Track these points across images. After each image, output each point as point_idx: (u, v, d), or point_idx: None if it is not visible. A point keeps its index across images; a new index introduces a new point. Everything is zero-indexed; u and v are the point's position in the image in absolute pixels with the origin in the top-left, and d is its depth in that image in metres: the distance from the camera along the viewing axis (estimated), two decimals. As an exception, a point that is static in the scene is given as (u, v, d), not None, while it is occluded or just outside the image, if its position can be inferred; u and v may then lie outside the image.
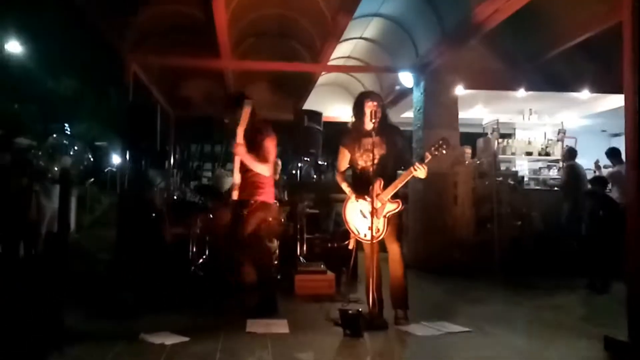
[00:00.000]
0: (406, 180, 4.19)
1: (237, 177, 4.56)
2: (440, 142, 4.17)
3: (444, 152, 4.17)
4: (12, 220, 6.40)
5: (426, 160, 4.09)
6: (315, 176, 11.69)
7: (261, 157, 4.54)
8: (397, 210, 4.24)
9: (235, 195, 4.55)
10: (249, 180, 4.57)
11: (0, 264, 6.39)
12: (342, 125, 9.97)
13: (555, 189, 8.09)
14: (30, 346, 3.34)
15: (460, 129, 8.03)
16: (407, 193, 7.47)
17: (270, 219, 6.17)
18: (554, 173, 9.66)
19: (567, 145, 8.54)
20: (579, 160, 10.02)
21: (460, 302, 5.27)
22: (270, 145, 4.61)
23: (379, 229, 4.17)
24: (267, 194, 4.66)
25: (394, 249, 4.32)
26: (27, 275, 5.95)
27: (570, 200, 7.20)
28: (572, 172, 7.41)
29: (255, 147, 4.55)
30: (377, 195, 4.18)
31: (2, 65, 15.53)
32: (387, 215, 4.21)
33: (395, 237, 4.30)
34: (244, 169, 4.56)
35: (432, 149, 4.15)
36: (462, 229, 7.14)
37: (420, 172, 4.09)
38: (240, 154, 4.49)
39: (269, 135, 4.63)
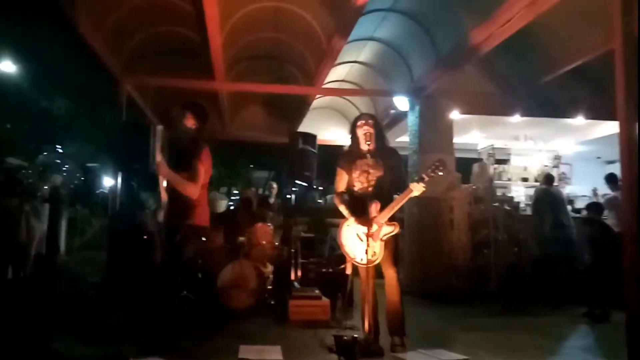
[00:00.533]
0: (404, 201, 4.16)
1: (164, 197, 4.25)
2: (437, 163, 4.18)
3: (440, 173, 4.18)
4: (1, 242, 6.33)
5: (424, 181, 4.09)
6: (320, 200, 11.66)
7: (189, 177, 4.11)
8: (394, 233, 4.21)
9: (161, 218, 4.27)
10: (179, 201, 4.14)
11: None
12: (337, 148, 10.06)
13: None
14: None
15: (456, 154, 8.05)
16: (403, 218, 7.43)
17: (264, 242, 6.16)
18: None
19: (547, 172, 8.55)
20: (575, 186, 10.12)
21: (458, 329, 5.21)
22: (200, 164, 4.16)
23: (375, 253, 4.13)
24: (200, 216, 4.24)
25: (390, 274, 4.28)
26: (15, 298, 5.87)
27: (540, 222, 7.19)
28: (544, 194, 7.38)
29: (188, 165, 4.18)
30: (374, 217, 4.15)
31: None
32: (384, 239, 4.18)
33: (392, 261, 4.26)
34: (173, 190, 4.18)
35: (429, 170, 4.15)
36: (459, 254, 7.10)
37: (417, 191, 4.07)
38: (162, 173, 4.11)
39: (200, 152, 4.20)
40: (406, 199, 4.15)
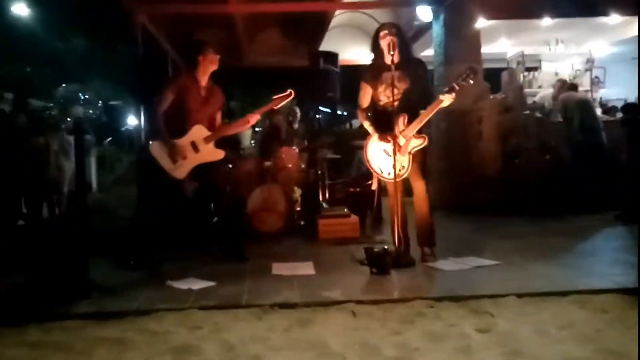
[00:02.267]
0: (433, 112, 4.09)
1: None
2: (468, 71, 4.08)
3: (471, 81, 4.09)
4: (33, 180, 6.54)
5: (455, 91, 4.00)
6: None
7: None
8: (422, 146, 4.18)
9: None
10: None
11: (26, 224, 6.58)
12: (360, 69, 9.88)
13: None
14: (59, 297, 3.45)
15: (484, 64, 7.82)
16: (430, 133, 7.37)
17: (290, 165, 6.22)
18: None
19: (559, 80, 8.25)
20: (609, 89, 9.81)
21: (488, 238, 5.26)
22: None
23: (403, 167, 4.13)
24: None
25: (419, 186, 4.28)
26: (52, 233, 6.12)
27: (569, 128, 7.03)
28: (569, 100, 7.16)
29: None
30: (402, 131, 4.12)
31: (10, 28, 15.51)
32: (412, 152, 4.16)
33: (420, 174, 4.26)
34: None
35: (459, 79, 4.06)
36: (489, 165, 7.03)
37: (447, 101, 4.00)
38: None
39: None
40: (435, 110, 4.08)
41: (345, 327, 2.93)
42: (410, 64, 4.28)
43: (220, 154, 4.58)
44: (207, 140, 4.48)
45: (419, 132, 4.16)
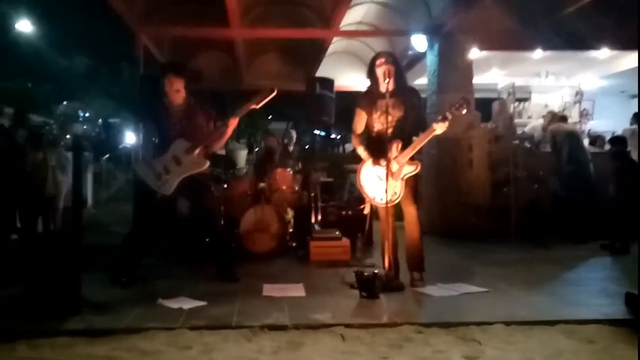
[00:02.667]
0: (426, 140, 4.11)
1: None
2: (461, 101, 4.12)
3: (464, 111, 4.14)
4: (30, 195, 6.48)
5: (447, 120, 4.03)
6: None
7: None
8: (415, 172, 4.19)
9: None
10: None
11: (19, 238, 6.51)
12: (355, 94, 9.93)
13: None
14: (50, 313, 3.39)
15: (475, 94, 7.89)
16: (422, 159, 7.39)
17: (284, 187, 6.21)
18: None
19: (549, 112, 8.33)
20: (598, 121, 9.89)
21: (477, 265, 5.24)
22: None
23: (395, 192, 4.14)
24: None
25: (410, 211, 4.29)
26: (46, 248, 6.05)
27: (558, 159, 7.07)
28: (559, 131, 7.21)
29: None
30: (395, 157, 4.14)
31: (13, 44, 15.57)
32: (404, 178, 4.17)
33: (412, 199, 4.27)
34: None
35: (452, 108, 4.10)
36: (478, 193, 7.06)
37: (440, 129, 4.03)
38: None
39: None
40: (428, 138, 4.11)
41: (334, 351, 2.90)
42: (404, 92, 4.31)
43: (204, 163, 4.50)
44: (188, 151, 4.43)
45: (412, 158, 4.18)
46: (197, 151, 4.44)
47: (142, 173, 4.41)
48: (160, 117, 4.49)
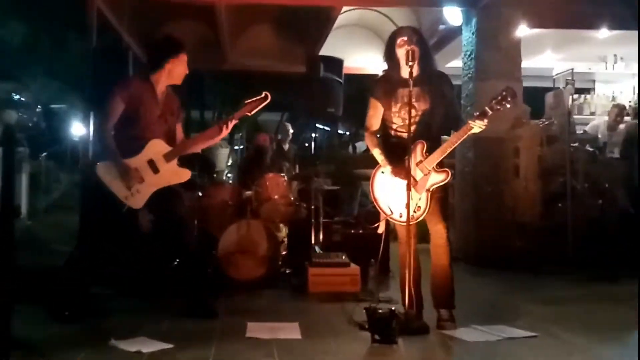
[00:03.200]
0: (459, 142, 4.11)
1: None
2: (504, 93, 4.09)
3: (509, 106, 4.11)
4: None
5: (487, 116, 4.02)
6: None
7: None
8: (444, 182, 4.19)
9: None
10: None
11: None
12: (368, 79, 9.95)
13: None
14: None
15: (524, 82, 7.89)
16: (454, 164, 7.41)
17: (276, 196, 6.22)
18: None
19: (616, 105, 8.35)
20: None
21: (523, 301, 5.23)
22: None
23: (419, 207, 4.13)
24: None
25: (438, 230, 4.28)
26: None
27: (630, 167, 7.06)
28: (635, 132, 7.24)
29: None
30: (419, 162, 4.14)
31: None
32: (431, 189, 4.16)
33: (440, 215, 4.26)
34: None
35: (494, 102, 4.08)
36: (526, 210, 7.05)
37: (478, 128, 4.03)
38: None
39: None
40: (463, 138, 4.10)
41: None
42: (432, 79, 4.32)
43: (186, 174, 4.56)
44: (168, 157, 4.44)
45: (441, 164, 4.17)
46: (176, 158, 4.49)
47: (108, 178, 4.36)
48: (139, 105, 4.43)
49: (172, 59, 4.49)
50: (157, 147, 4.44)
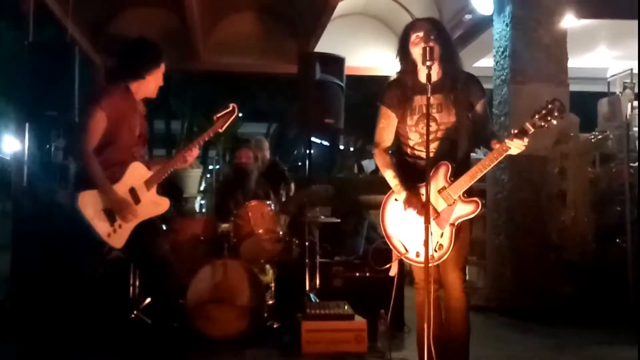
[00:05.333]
0: (493, 165, 4.08)
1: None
2: (550, 106, 4.03)
3: (555, 122, 4.06)
4: None
5: (528, 135, 4.00)
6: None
7: None
8: (473, 216, 4.18)
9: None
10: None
11: None
12: (378, 82, 9.97)
13: None
14: None
15: (571, 86, 7.93)
16: (484, 189, 7.45)
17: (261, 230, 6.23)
18: None
19: None
20: None
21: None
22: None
23: (441, 245, 4.11)
24: None
25: (453, 279, 4.24)
26: None
27: None
28: None
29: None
30: (442, 189, 4.14)
31: None
32: (456, 223, 4.16)
33: (459, 259, 4.24)
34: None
35: (537, 117, 4.01)
36: (575, 247, 7.08)
37: (517, 149, 4.01)
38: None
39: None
40: (496, 162, 4.08)
41: None
42: (457, 84, 4.31)
43: (165, 204, 4.64)
44: (149, 184, 4.51)
45: (469, 191, 4.17)
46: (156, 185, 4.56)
47: (91, 212, 4.34)
48: (120, 122, 4.46)
49: (155, 70, 4.58)
50: (138, 173, 4.49)
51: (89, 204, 4.33)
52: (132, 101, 4.55)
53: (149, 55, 4.60)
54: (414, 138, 4.28)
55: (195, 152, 4.68)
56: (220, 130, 4.72)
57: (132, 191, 4.43)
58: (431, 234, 4.00)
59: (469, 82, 4.39)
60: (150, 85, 4.59)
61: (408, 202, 4.16)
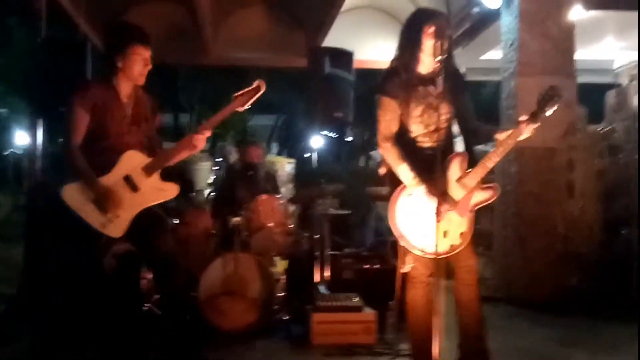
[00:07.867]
0: (507, 152, 4.05)
1: None
2: (549, 93, 4.08)
3: (550, 110, 4.09)
4: None
5: (538, 117, 3.98)
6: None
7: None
8: (492, 200, 4.17)
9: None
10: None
11: None
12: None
13: None
14: None
15: (579, 77, 7.91)
16: (493, 181, 7.43)
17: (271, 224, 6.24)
18: None
19: None
20: None
21: (581, 351, 5.25)
22: None
23: (462, 233, 4.09)
24: None
25: (471, 265, 4.27)
26: None
27: None
28: None
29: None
30: (459, 178, 4.14)
31: None
32: (474, 210, 4.17)
33: (473, 246, 4.27)
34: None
35: (537, 104, 4.09)
36: (582, 238, 7.07)
37: (528, 132, 4.01)
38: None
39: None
40: (511, 147, 4.04)
41: None
42: (452, 77, 4.29)
43: (173, 190, 4.53)
44: (148, 170, 4.42)
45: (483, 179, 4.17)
46: (158, 171, 4.47)
47: (77, 204, 4.35)
48: (103, 115, 4.44)
49: (128, 53, 4.45)
50: (133, 160, 4.42)
51: (74, 196, 4.32)
52: (111, 91, 4.48)
53: (113, 39, 4.54)
54: (418, 129, 4.28)
55: (205, 135, 4.50)
56: (241, 109, 4.53)
57: (128, 179, 4.38)
58: (452, 223, 4.02)
59: (457, 77, 4.43)
60: (132, 71, 4.46)
61: (431, 194, 4.10)
